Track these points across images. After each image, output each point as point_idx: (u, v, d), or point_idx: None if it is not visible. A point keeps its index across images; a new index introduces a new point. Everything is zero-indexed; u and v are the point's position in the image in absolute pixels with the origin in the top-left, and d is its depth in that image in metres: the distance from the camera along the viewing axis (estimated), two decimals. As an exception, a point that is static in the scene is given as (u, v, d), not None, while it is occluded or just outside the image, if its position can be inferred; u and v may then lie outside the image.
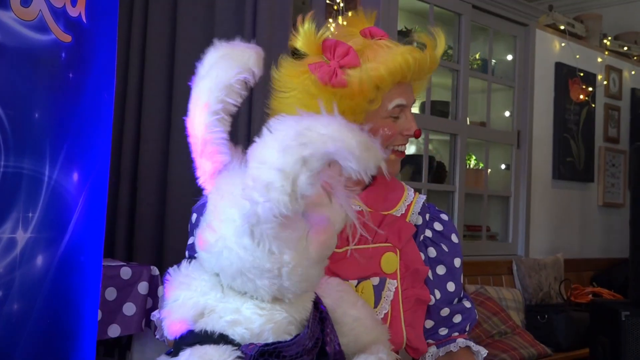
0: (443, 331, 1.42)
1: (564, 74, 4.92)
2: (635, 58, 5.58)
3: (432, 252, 1.43)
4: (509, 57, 4.75)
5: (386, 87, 1.31)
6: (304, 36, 1.32)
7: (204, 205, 1.12)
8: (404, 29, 4.13)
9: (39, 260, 1.62)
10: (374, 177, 1.42)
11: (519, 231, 4.65)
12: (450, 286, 1.42)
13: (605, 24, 5.40)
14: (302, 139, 0.92)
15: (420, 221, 1.44)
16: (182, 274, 1.10)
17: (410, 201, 1.46)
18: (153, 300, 2.43)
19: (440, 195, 4.28)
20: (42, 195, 1.61)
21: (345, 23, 1.50)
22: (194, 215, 1.41)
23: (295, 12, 3.06)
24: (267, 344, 1.02)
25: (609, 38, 5.36)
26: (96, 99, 1.78)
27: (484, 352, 1.43)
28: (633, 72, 5.59)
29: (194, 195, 1.34)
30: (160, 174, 3.16)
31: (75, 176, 1.72)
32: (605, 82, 5.29)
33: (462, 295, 1.45)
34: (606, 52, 5.28)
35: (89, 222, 1.77)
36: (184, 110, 1.14)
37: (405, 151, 1.43)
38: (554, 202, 4.90)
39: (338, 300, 1.17)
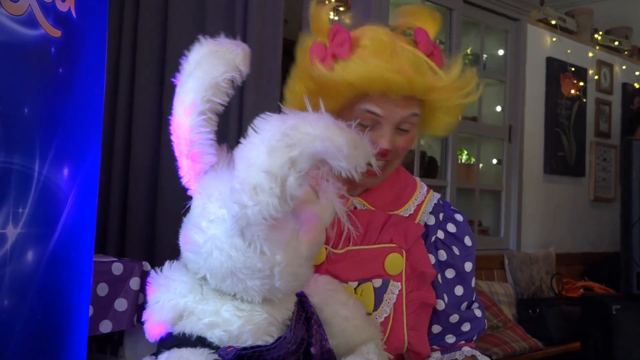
0: (450, 339, 1.36)
1: (555, 69, 4.93)
2: (626, 53, 5.59)
3: (442, 255, 1.37)
4: (500, 52, 4.76)
5: (359, 91, 1.23)
6: (315, 18, 1.31)
7: None
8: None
9: (30, 255, 1.61)
10: None
11: (510, 226, 4.66)
12: (459, 290, 1.37)
13: (596, 19, 5.41)
14: (289, 139, 0.90)
15: (432, 221, 1.39)
16: (162, 276, 1.09)
17: (422, 200, 1.40)
18: (145, 296, 2.41)
19: (432, 190, 4.27)
20: (32, 190, 1.60)
21: (412, 13, 1.35)
22: None
23: (287, 7, 3.05)
24: (245, 348, 1.00)
25: (600, 33, 5.36)
26: (86, 94, 1.77)
27: None
28: (624, 67, 5.60)
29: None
30: (152, 170, 3.14)
31: (66, 171, 1.71)
32: (596, 77, 5.30)
33: (473, 299, 1.40)
34: (597, 47, 5.29)
35: (80, 217, 1.76)
36: (175, 107, 1.13)
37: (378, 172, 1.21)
38: (545, 197, 4.92)
39: (326, 299, 1.15)
